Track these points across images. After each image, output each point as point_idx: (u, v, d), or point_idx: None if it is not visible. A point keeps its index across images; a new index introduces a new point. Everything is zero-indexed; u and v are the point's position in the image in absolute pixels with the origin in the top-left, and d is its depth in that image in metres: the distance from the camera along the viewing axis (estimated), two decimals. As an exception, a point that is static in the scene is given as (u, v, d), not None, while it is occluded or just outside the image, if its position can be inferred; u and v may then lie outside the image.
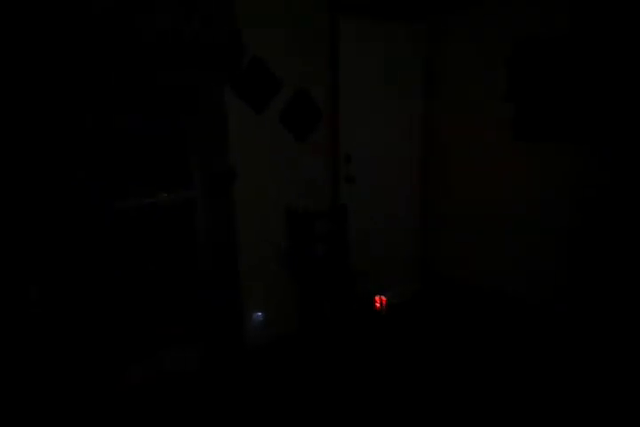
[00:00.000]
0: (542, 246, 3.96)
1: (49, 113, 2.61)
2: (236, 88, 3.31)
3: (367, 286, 3.74)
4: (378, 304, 4.06)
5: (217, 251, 3.35)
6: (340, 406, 2.96)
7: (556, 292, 3.78)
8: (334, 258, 3.69)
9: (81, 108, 2.72)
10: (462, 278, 4.56)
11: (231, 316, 3.42)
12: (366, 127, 4.11)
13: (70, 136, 2.70)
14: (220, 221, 3.33)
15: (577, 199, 3.64)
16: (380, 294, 4.07)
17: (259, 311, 3.61)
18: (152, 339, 3.26)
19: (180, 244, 3.38)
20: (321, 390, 3.13)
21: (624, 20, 3.35)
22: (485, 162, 4.27)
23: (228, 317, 3.42)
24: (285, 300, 3.73)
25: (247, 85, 3.36)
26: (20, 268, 2.62)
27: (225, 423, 2.84)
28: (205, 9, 3.06)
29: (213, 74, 3.18)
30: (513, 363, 3.38)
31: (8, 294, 2.60)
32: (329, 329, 3.79)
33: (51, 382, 2.75)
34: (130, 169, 3.09)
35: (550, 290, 3.84)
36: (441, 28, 4.38)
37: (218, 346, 3.43)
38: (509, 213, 4.15)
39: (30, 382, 2.70)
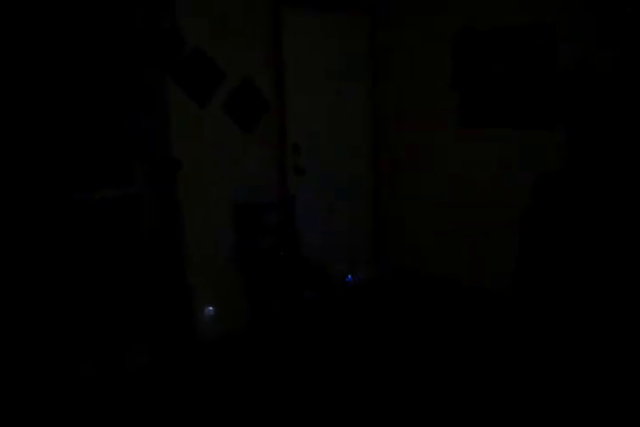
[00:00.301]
0: (494, 233, 4.04)
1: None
2: (177, 80, 3.24)
3: (318, 277, 3.75)
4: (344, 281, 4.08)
5: (163, 245, 3.30)
6: (290, 397, 2.98)
7: (506, 278, 3.85)
8: (283, 250, 3.69)
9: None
10: (414, 267, 4.62)
11: (180, 312, 3.39)
12: (314, 117, 4.09)
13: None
14: (165, 213, 3.27)
15: (525, 184, 3.70)
16: (332, 284, 4.09)
17: (209, 307, 3.58)
18: (100, 338, 3.21)
19: (124, 238, 3.30)
20: (269, 383, 3.14)
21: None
22: (434, 149, 4.32)
23: (177, 313, 3.38)
24: (235, 294, 3.71)
25: (189, 77, 3.30)
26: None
27: (171, 419, 2.83)
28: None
29: (152, 65, 3.11)
30: (459, 347, 3.46)
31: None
32: (279, 322, 3.79)
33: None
34: (70, 163, 2.99)
35: (503, 277, 3.91)
36: (386, 17, 4.38)
37: (168, 343, 3.39)
38: (460, 199, 4.22)
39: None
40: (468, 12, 3.91)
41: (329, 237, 4.33)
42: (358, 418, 2.76)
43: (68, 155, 2.95)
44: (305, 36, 3.91)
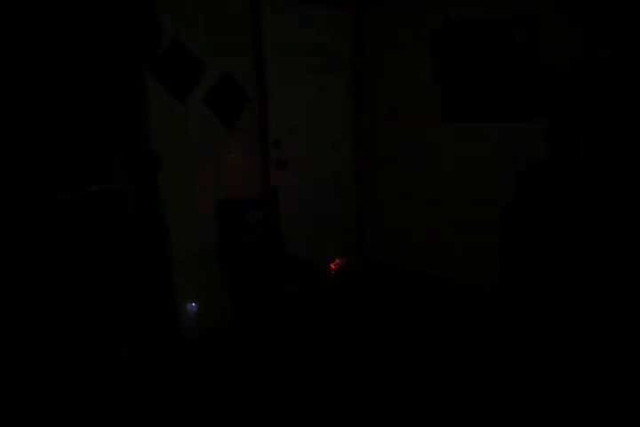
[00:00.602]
0: (475, 226, 4.07)
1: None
2: (156, 73, 3.17)
3: (301, 272, 3.73)
4: (334, 268, 4.06)
5: (147, 243, 3.25)
6: (273, 393, 2.97)
7: (489, 273, 3.88)
8: (266, 245, 3.66)
9: None
10: (397, 261, 4.64)
11: (164, 309, 3.35)
12: (296, 112, 4.06)
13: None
14: (148, 210, 3.22)
15: (506, 178, 3.73)
16: (315, 278, 4.08)
17: (192, 303, 3.54)
18: (82, 336, 3.15)
19: (107, 235, 3.23)
20: (253, 379, 3.13)
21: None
22: (416, 143, 4.33)
23: (161, 310, 3.34)
24: (218, 291, 3.68)
25: (168, 70, 3.23)
26: None
27: (155, 416, 2.80)
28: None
29: (130, 59, 3.03)
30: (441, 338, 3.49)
31: None
32: (262, 318, 3.77)
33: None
34: (51, 160, 2.91)
35: (485, 272, 3.95)
36: (368, 11, 4.35)
37: (151, 340, 3.35)
38: (442, 193, 4.24)
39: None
40: (448, 4, 3.90)
41: (312, 231, 4.31)
42: (340, 415, 2.77)
43: (49, 152, 2.87)
44: (285, 30, 3.86)
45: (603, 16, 3.29)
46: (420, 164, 4.32)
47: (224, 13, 3.48)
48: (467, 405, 2.79)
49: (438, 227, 4.31)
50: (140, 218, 3.19)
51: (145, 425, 2.75)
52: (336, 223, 4.54)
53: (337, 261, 4.01)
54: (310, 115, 4.18)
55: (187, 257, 3.47)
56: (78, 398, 2.94)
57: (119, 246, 3.25)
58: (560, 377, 2.99)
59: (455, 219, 4.18)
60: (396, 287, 4.43)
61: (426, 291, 4.31)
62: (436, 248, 4.36)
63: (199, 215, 3.52)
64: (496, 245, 3.69)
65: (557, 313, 3.36)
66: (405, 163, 4.42)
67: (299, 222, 4.14)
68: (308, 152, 4.20)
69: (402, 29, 4.19)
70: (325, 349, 3.44)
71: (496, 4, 3.67)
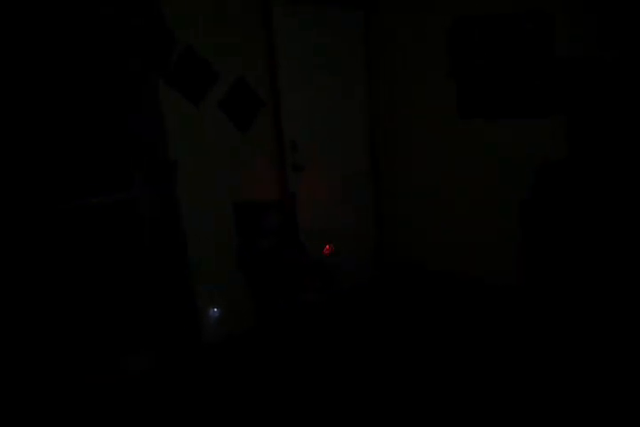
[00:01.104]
0: (496, 224, 3.99)
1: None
2: (169, 79, 3.17)
3: (321, 276, 3.69)
4: (327, 252, 3.98)
5: (164, 248, 3.24)
6: (295, 399, 2.93)
7: (511, 270, 3.80)
8: (284, 250, 3.63)
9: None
10: (418, 263, 4.58)
11: (184, 315, 3.33)
12: (310, 114, 4.03)
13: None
14: (165, 215, 3.22)
15: (527, 175, 3.66)
16: (336, 282, 4.03)
17: (214, 308, 3.52)
18: (105, 343, 3.15)
19: (125, 242, 3.24)
20: (275, 385, 3.09)
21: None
22: (434, 141, 4.27)
23: (182, 316, 3.33)
24: (241, 295, 3.65)
25: (182, 76, 3.23)
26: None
27: (177, 422, 2.77)
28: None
29: (144, 65, 3.04)
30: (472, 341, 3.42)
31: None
32: (284, 322, 3.74)
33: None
34: (67, 168, 2.93)
35: (507, 270, 3.87)
36: (380, 9, 4.32)
37: (172, 346, 3.34)
38: (461, 191, 4.17)
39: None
40: (463, 1, 3.85)
41: (331, 235, 4.26)
42: (365, 419, 2.71)
43: (65, 159, 2.89)
44: (298, 32, 3.84)
45: (617, 10, 3.23)
46: (437, 161, 4.26)
47: (236, 17, 3.48)
48: (495, 405, 2.72)
49: (455, 225, 4.24)
50: (157, 223, 3.19)
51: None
52: (353, 225, 4.50)
53: (327, 247, 3.91)
54: (325, 116, 4.15)
55: (207, 262, 3.45)
56: (99, 402, 2.94)
57: (136, 253, 3.26)
58: (587, 375, 2.91)
59: (472, 217, 4.12)
60: (415, 288, 4.37)
61: (445, 291, 4.24)
62: (455, 247, 4.30)
63: (218, 220, 3.51)
64: (513, 243, 3.63)
65: (580, 310, 3.28)
66: (422, 161, 4.36)
67: (316, 225, 4.10)
68: (324, 154, 4.16)
69: (416, 27, 4.14)
70: (349, 354, 3.39)
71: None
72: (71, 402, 2.87)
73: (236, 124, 3.56)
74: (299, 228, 3.79)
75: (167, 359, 3.31)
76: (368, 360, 3.27)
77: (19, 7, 2.58)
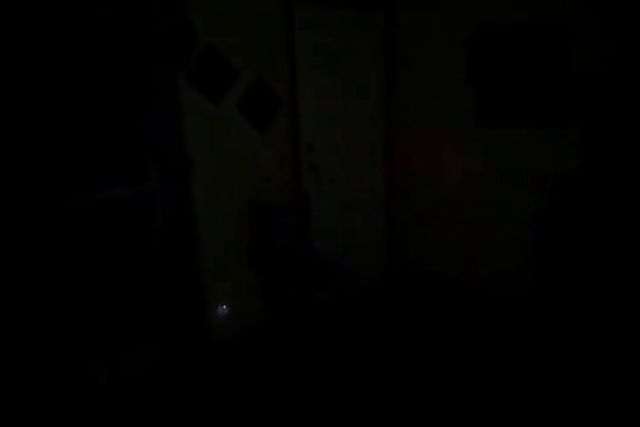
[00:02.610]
0: (510, 233, 3.98)
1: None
2: (190, 77, 3.20)
3: (333, 276, 3.70)
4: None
5: (176, 245, 3.27)
6: (303, 396, 2.94)
7: (525, 279, 3.78)
8: (298, 249, 3.65)
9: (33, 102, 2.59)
10: (429, 268, 4.57)
11: (194, 311, 3.36)
12: (328, 116, 4.05)
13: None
14: (178, 212, 3.25)
15: (542, 184, 3.65)
16: (347, 283, 4.04)
17: (223, 305, 3.55)
18: (114, 338, 3.18)
19: (138, 236, 3.27)
20: (282, 382, 3.10)
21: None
22: (449, 147, 4.26)
23: (191, 312, 3.36)
24: (251, 292, 3.67)
25: (202, 74, 3.26)
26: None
27: (184, 417, 2.79)
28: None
29: (166, 62, 3.07)
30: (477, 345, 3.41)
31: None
32: (294, 322, 3.75)
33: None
34: (81, 162, 2.95)
35: (520, 278, 3.85)
36: (400, 14, 4.33)
37: (182, 342, 3.37)
38: (476, 199, 4.16)
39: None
40: (482, 8, 3.84)
41: (344, 237, 4.28)
42: (367, 417, 2.72)
43: (81, 154, 2.92)
44: (318, 33, 3.86)
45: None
46: (452, 168, 4.26)
47: (257, 16, 3.50)
48: (498, 410, 2.72)
49: (475, 232, 4.23)
50: (170, 220, 3.21)
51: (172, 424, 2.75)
52: (366, 229, 4.50)
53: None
54: (341, 119, 4.16)
55: (219, 259, 3.48)
56: (110, 395, 2.96)
57: (148, 248, 3.28)
58: (590, 383, 2.90)
59: (491, 224, 4.10)
60: (425, 293, 4.37)
61: (455, 296, 4.24)
62: (468, 254, 4.29)
63: (232, 217, 3.53)
64: (528, 252, 3.61)
65: (592, 320, 3.26)
66: (436, 167, 4.36)
67: (329, 226, 4.12)
68: (340, 156, 4.18)
69: (435, 33, 4.15)
70: (357, 354, 3.40)
71: (532, 8, 3.61)
72: (78, 396, 2.90)
73: (255, 123, 3.58)
74: (312, 227, 3.80)
75: (175, 354, 3.34)
76: (374, 361, 3.28)
77: (56, 13, 2.62)
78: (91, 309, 3.04)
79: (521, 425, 2.65)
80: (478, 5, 3.87)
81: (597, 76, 3.41)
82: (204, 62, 3.25)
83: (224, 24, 3.33)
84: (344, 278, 3.72)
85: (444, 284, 4.42)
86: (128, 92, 3.03)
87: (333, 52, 4.00)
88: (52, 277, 2.79)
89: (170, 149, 3.14)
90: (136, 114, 3.08)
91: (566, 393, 2.86)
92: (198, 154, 3.27)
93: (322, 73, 3.94)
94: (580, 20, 3.42)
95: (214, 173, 3.40)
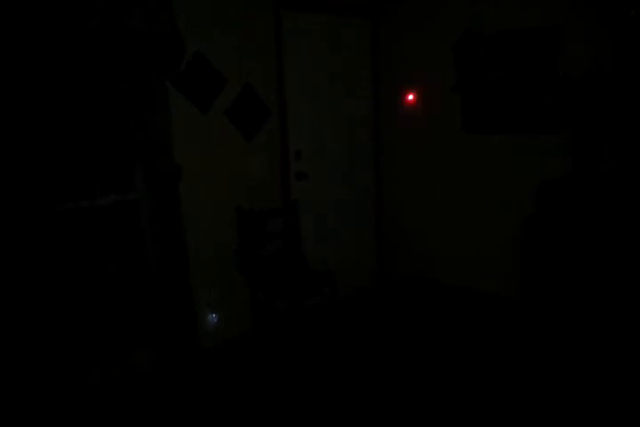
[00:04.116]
0: (499, 239, 4.00)
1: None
2: (178, 85, 3.21)
3: (322, 283, 3.70)
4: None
5: (165, 251, 3.26)
6: (292, 404, 2.94)
7: (514, 284, 3.79)
8: (287, 256, 3.65)
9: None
10: (419, 274, 4.58)
11: (183, 319, 3.34)
12: (316, 123, 4.06)
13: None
14: (167, 219, 3.24)
15: (530, 190, 3.67)
16: (336, 289, 4.04)
17: (212, 313, 3.54)
18: (102, 345, 3.16)
19: (125, 245, 3.26)
20: (272, 390, 3.10)
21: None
22: (438, 154, 4.28)
23: (180, 320, 3.34)
24: (239, 300, 3.67)
25: (190, 82, 3.27)
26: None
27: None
28: (145, 3, 2.95)
29: (154, 70, 3.06)
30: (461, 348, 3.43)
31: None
32: (283, 329, 3.75)
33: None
34: (69, 170, 2.95)
35: (510, 283, 3.86)
36: (387, 21, 4.36)
37: (171, 350, 3.35)
38: (465, 205, 4.19)
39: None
40: (470, 15, 3.88)
41: (333, 243, 4.29)
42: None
43: (71, 161, 2.92)
44: (306, 40, 3.88)
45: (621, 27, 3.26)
46: (440, 175, 4.28)
47: (245, 24, 3.52)
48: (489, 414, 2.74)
49: (458, 239, 4.25)
50: (158, 227, 3.20)
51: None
52: (355, 235, 4.51)
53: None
54: (331, 125, 4.18)
55: (207, 266, 3.48)
56: (99, 403, 2.95)
57: (137, 256, 3.28)
58: (579, 387, 2.92)
59: (480, 230, 4.12)
60: (415, 299, 4.38)
61: (445, 302, 4.26)
62: (457, 260, 4.31)
63: (220, 225, 3.53)
64: (517, 257, 3.63)
65: (578, 326, 3.29)
66: (425, 174, 4.38)
67: (317, 233, 4.13)
68: (328, 164, 4.19)
69: (423, 39, 4.17)
70: (344, 360, 3.40)
71: (518, 15, 3.64)
72: (72, 400, 2.89)
73: (242, 130, 3.59)
74: (301, 234, 3.81)
75: (165, 362, 3.32)
76: (364, 367, 3.28)
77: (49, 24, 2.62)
78: (78, 316, 3.03)
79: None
80: (465, 12, 3.90)
81: (583, 81, 3.44)
82: (192, 70, 3.26)
83: (212, 32, 3.34)
84: (335, 285, 3.71)
85: (434, 289, 4.43)
86: (116, 100, 3.02)
87: (322, 59, 4.02)
88: (36, 286, 2.77)
89: (158, 157, 3.14)
90: (124, 122, 3.07)
91: (558, 396, 2.89)
92: (186, 161, 3.27)
93: (310, 80, 3.96)
94: (566, 27, 3.46)
95: (202, 181, 3.41)
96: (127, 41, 2.94)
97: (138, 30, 2.95)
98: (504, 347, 3.50)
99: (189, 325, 3.38)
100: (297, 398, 3.01)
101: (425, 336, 3.70)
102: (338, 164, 4.27)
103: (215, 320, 3.55)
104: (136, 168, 3.20)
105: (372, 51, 4.40)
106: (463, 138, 4.08)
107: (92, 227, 3.08)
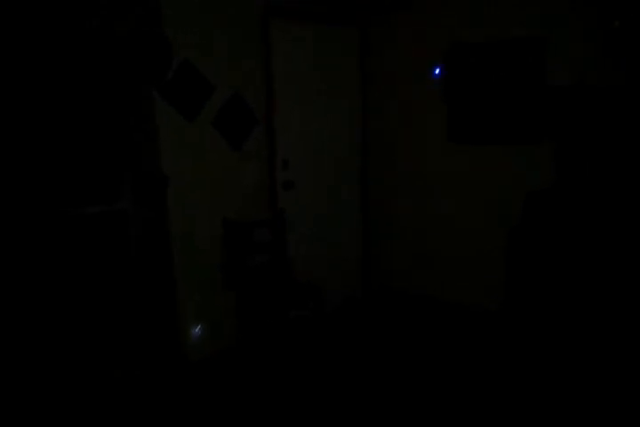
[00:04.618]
0: (483, 251, 4.00)
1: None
2: (165, 94, 3.16)
3: (308, 295, 3.66)
4: None
5: (150, 264, 3.20)
6: (278, 418, 2.89)
7: (498, 297, 3.79)
8: (273, 267, 3.61)
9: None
10: (404, 287, 4.56)
11: (166, 332, 3.28)
12: (303, 132, 4.04)
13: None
14: (153, 230, 3.18)
15: (514, 201, 3.68)
16: (322, 301, 4.01)
17: (197, 326, 3.47)
18: (82, 358, 3.08)
19: (110, 256, 3.19)
20: (257, 403, 3.04)
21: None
22: (424, 165, 4.29)
23: (164, 333, 3.28)
24: (224, 312, 3.61)
25: (177, 91, 3.22)
26: None
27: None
28: (132, 10, 2.92)
29: (141, 78, 3.03)
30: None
31: None
32: (269, 341, 3.69)
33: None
34: (57, 179, 2.88)
35: (494, 296, 3.86)
36: (375, 31, 4.37)
37: (154, 362, 3.28)
38: (450, 216, 4.19)
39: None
40: (457, 26, 3.91)
41: (317, 254, 4.24)
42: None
43: (55, 170, 2.85)
44: (294, 49, 3.87)
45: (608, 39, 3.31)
46: (426, 185, 4.29)
47: (234, 33, 3.49)
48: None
49: (449, 250, 4.24)
50: (144, 239, 3.15)
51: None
52: (342, 246, 4.48)
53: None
54: (319, 134, 4.16)
55: (193, 278, 3.42)
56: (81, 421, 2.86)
57: (121, 267, 3.20)
58: (566, 398, 2.91)
59: (465, 242, 4.13)
60: (402, 311, 4.36)
61: (431, 314, 4.24)
62: (442, 272, 4.30)
63: (206, 236, 3.47)
64: (500, 269, 3.63)
65: (563, 338, 3.28)
66: (412, 184, 4.38)
67: (304, 244, 4.09)
68: (315, 173, 4.17)
69: (410, 49, 4.19)
70: (330, 374, 3.35)
71: (504, 26, 3.68)
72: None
73: (230, 140, 3.55)
74: (288, 246, 3.77)
75: (147, 375, 3.25)
76: (349, 380, 3.24)
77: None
78: (61, 325, 2.95)
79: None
80: (452, 24, 3.93)
81: (567, 92, 3.48)
82: (179, 79, 3.22)
83: (201, 40, 3.31)
84: (321, 297, 3.68)
85: (423, 302, 4.41)
86: (102, 109, 2.97)
87: (310, 68, 4.01)
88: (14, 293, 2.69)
89: (144, 167, 3.09)
90: (110, 132, 3.02)
91: (545, 408, 2.87)
92: (172, 171, 3.22)
93: (299, 88, 3.95)
94: (552, 39, 3.50)
95: (189, 191, 3.35)
96: (115, 47, 2.91)
97: (125, 37, 2.92)
98: (488, 361, 3.48)
99: (172, 338, 3.32)
100: (284, 409, 2.96)
101: (411, 349, 3.68)
102: (325, 174, 4.25)
103: (201, 332, 3.48)
104: (122, 178, 3.14)
105: (360, 60, 4.40)
106: (450, 148, 4.09)
107: (77, 236, 3.00)
